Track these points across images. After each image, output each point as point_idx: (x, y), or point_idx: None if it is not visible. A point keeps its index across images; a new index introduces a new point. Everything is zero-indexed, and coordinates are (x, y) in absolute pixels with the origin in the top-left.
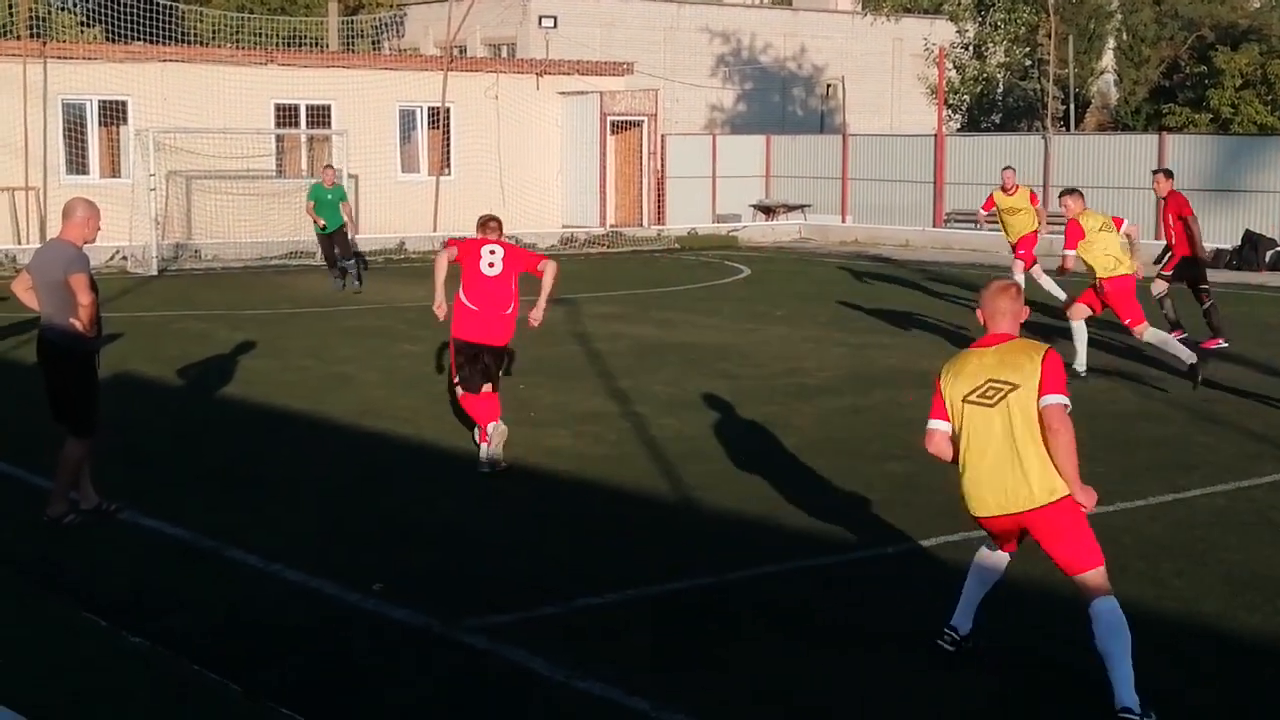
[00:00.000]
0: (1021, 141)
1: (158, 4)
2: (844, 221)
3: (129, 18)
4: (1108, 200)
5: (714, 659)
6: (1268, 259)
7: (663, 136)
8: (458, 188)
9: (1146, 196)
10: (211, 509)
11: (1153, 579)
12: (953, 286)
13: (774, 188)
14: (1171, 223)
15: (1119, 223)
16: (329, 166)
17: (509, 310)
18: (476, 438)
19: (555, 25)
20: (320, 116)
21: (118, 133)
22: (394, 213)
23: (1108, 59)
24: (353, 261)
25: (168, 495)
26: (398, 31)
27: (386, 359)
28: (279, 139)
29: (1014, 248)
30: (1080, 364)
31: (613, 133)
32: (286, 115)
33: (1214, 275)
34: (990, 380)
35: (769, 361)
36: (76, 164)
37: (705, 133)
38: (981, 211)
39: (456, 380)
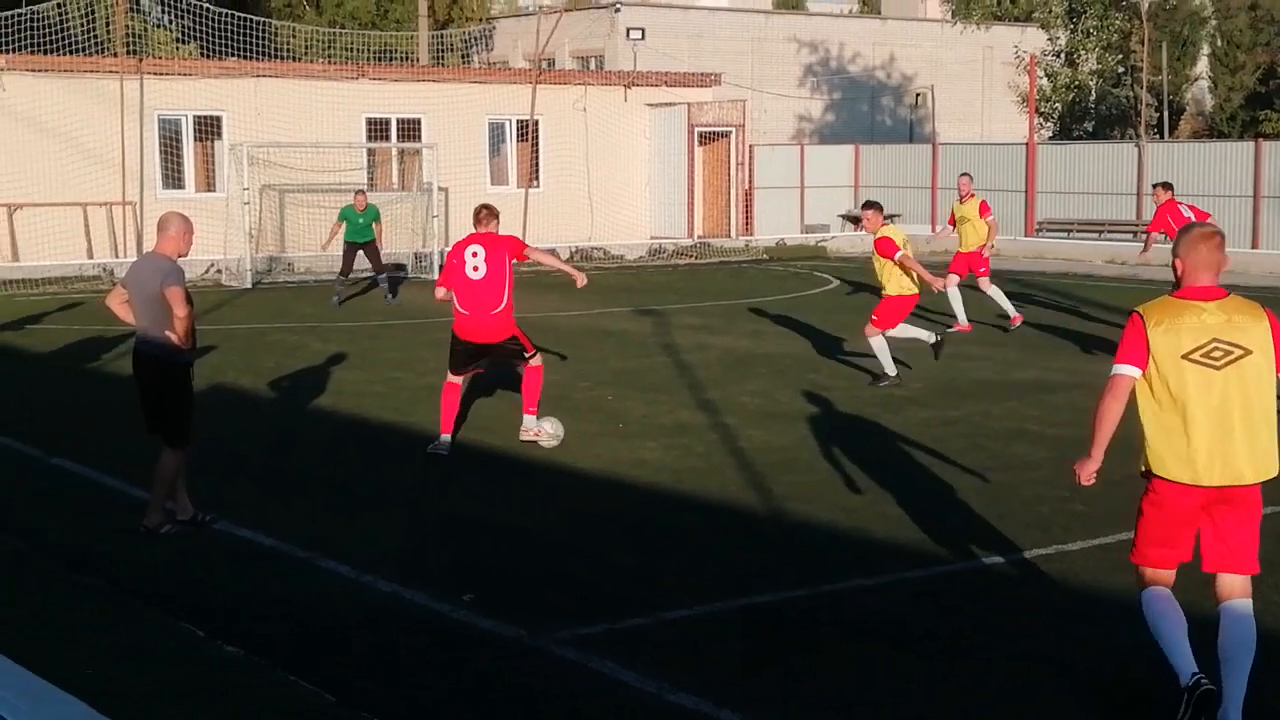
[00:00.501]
0: (1114, 149)
1: (252, 20)
2: (934, 231)
3: (224, 34)
4: (1205, 207)
5: (803, 670)
6: None
7: (750, 147)
8: (547, 200)
9: (1244, 204)
10: (304, 519)
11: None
12: (1046, 294)
13: (863, 198)
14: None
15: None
16: (360, 191)
17: (498, 309)
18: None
19: (643, 37)
20: (411, 130)
21: (212, 147)
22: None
23: (1202, 65)
24: (384, 275)
25: (262, 505)
26: (487, 45)
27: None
28: (370, 153)
29: (954, 262)
30: None
31: (700, 144)
32: (378, 129)
33: None
34: (1216, 340)
35: (856, 373)
36: (172, 178)
37: (793, 143)
38: (948, 228)
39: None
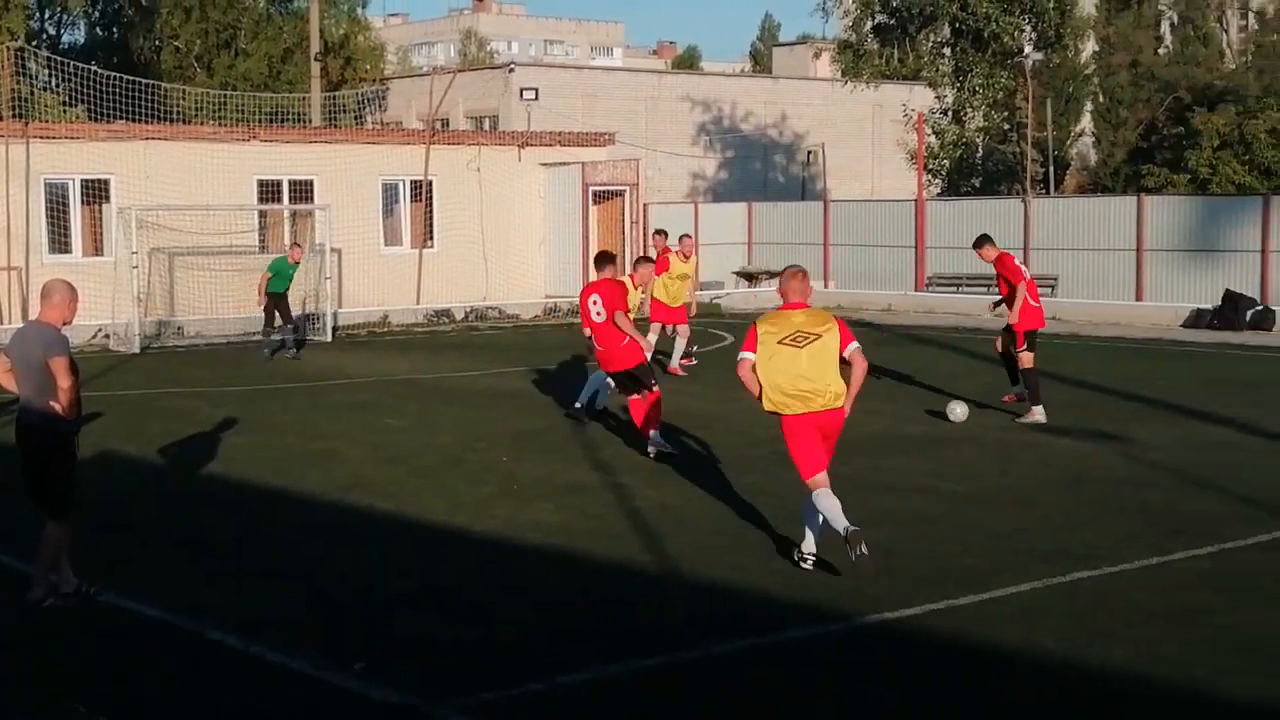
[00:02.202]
0: (1002, 205)
1: (141, 83)
2: (826, 287)
3: (112, 97)
4: (1088, 261)
5: None
6: (1248, 318)
7: (644, 205)
8: (441, 260)
9: (1128, 258)
10: (193, 589)
11: (1138, 645)
12: (936, 349)
13: (756, 254)
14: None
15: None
16: (297, 245)
17: (625, 342)
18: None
19: (537, 97)
20: (303, 191)
21: (100, 211)
22: (377, 286)
23: (1085, 121)
24: (292, 328)
25: (149, 575)
26: (380, 105)
27: (371, 433)
28: (262, 214)
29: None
30: None
31: (595, 202)
32: (269, 191)
33: (1197, 335)
34: (799, 330)
35: (750, 429)
36: (59, 243)
37: (687, 201)
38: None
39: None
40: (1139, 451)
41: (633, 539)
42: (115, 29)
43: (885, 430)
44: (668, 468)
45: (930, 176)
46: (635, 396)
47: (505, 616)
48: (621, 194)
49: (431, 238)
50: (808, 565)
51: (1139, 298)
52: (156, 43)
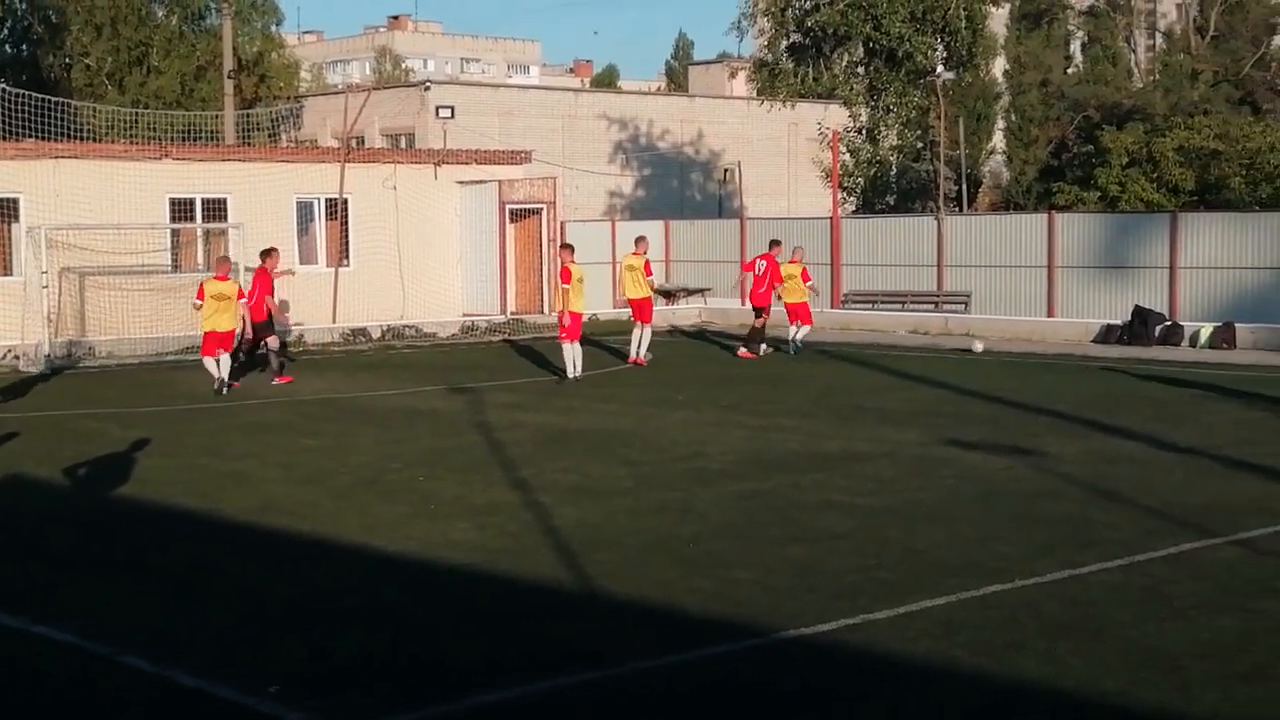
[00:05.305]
0: (916, 222)
1: (50, 101)
2: (743, 304)
3: (21, 115)
4: (1001, 278)
5: None
6: (1157, 333)
7: (562, 223)
8: (357, 278)
9: (1039, 274)
10: (104, 612)
11: (1051, 657)
12: (852, 366)
13: (674, 272)
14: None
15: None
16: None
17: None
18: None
19: (453, 115)
20: (216, 210)
21: (9, 230)
22: (292, 305)
23: (997, 140)
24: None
25: (59, 599)
26: (295, 123)
27: (285, 454)
28: (175, 233)
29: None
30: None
31: (512, 220)
32: (182, 209)
33: (1107, 350)
34: None
35: (670, 446)
36: None
37: (605, 219)
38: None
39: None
40: (1051, 465)
41: (552, 557)
42: (25, 46)
43: (802, 447)
44: (589, 487)
45: (845, 194)
46: None
47: (423, 637)
48: (539, 212)
49: (348, 256)
50: None
51: (1051, 314)
52: (67, 60)
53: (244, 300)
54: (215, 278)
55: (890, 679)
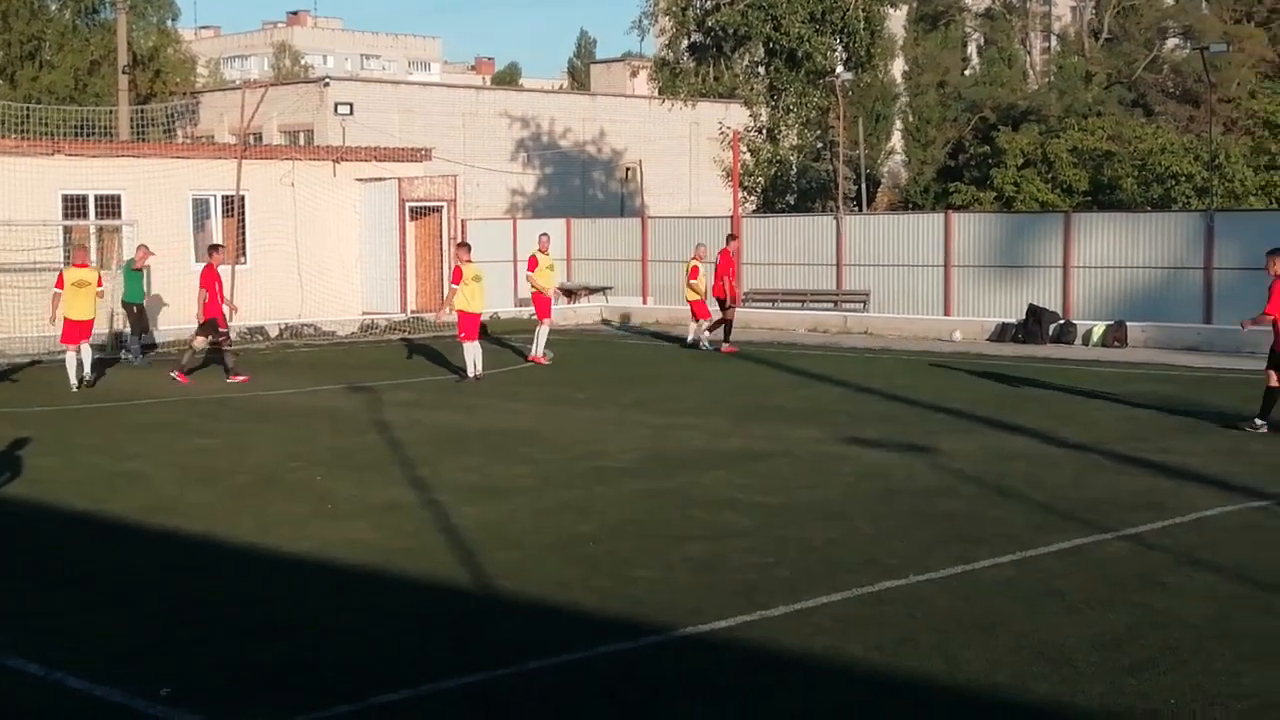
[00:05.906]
0: (815, 222)
1: None
2: (645, 303)
3: None
4: (899, 277)
5: None
6: (1051, 332)
7: (463, 222)
8: (255, 276)
9: (936, 273)
10: None
11: (944, 652)
12: (753, 364)
13: (575, 270)
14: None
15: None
16: (144, 246)
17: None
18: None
19: (352, 112)
20: (110, 206)
21: None
22: (188, 302)
23: (896, 140)
24: (143, 337)
25: None
26: (191, 119)
27: (178, 454)
28: (67, 230)
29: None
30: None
31: (412, 218)
32: (74, 206)
33: (1000, 349)
34: None
35: (571, 445)
36: None
37: (506, 217)
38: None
39: None
40: (946, 462)
41: (451, 556)
42: None
43: (704, 445)
44: (488, 486)
45: (746, 193)
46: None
47: (319, 638)
48: (439, 210)
49: (245, 254)
50: None
51: (947, 312)
52: None
53: (204, 294)
54: (74, 264)
55: (787, 675)
